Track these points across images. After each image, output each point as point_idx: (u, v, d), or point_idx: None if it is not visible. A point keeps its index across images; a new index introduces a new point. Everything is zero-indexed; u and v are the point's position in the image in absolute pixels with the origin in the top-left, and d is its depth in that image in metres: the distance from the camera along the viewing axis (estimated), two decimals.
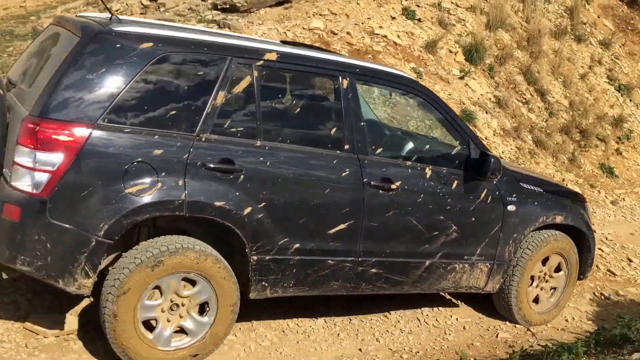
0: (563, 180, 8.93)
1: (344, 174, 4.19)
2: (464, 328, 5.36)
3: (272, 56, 4.04)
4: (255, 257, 3.99)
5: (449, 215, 4.62)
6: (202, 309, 3.94)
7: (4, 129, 3.69)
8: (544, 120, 9.93)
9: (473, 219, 4.74)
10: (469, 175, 4.70)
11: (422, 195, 4.50)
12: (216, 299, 3.91)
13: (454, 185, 4.66)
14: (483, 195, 4.77)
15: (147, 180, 3.62)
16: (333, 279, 4.33)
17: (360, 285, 4.49)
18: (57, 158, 3.45)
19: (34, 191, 3.46)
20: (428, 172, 4.57)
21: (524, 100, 9.99)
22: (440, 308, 5.55)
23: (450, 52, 9.87)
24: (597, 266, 7.03)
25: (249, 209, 3.87)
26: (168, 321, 3.84)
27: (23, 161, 3.45)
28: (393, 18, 9.84)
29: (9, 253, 3.55)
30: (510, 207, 4.91)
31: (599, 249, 7.25)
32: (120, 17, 4.15)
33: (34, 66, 4.09)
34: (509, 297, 5.21)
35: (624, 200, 9.27)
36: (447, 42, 9.94)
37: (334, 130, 4.25)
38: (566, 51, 11.41)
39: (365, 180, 4.26)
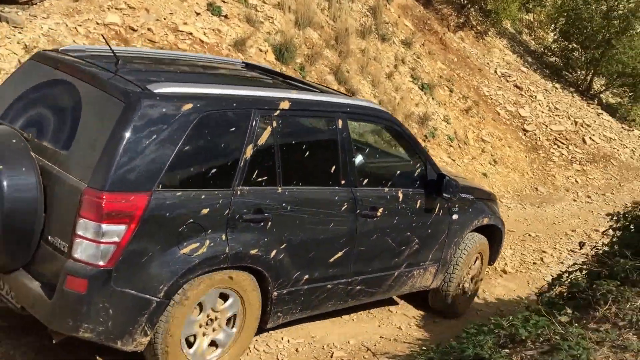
0: None
1: (343, 208, 4.62)
2: (297, 350, 5.00)
3: (286, 105, 4.28)
4: (275, 293, 4.32)
5: (414, 230, 5.22)
6: (228, 321, 4.22)
7: (41, 194, 3.61)
8: None
9: (430, 231, 5.37)
10: (428, 194, 5.28)
11: (396, 217, 5.05)
12: (243, 311, 4.20)
13: (418, 204, 5.24)
14: (437, 209, 5.39)
15: (198, 239, 3.79)
16: (329, 300, 4.80)
17: (347, 301, 5.02)
18: (121, 229, 3.50)
19: (101, 263, 3.49)
20: (400, 195, 5.10)
21: None
22: (270, 331, 5.09)
23: (261, 50, 9.43)
24: None
25: (274, 252, 4.19)
26: (203, 335, 4.09)
27: (88, 234, 3.46)
28: (198, 14, 9.17)
29: (73, 323, 3.55)
30: (455, 217, 5.59)
31: None
32: (115, 48, 4.25)
33: (50, 119, 3.91)
34: (447, 292, 5.87)
35: None
36: (257, 40, 9.49)
37: (333, 167, 4.62)
38: (372, 50, 11.54)
39: (358, 211, 4.71)
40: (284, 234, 4.21)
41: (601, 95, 16.59)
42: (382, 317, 5.88)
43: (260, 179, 4.08)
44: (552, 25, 16.71)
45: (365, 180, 4.85)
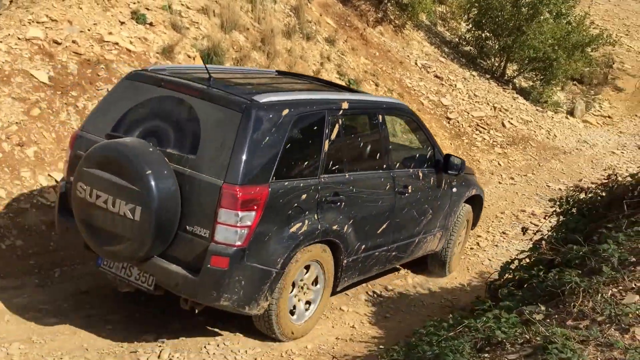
0: None
1: (387, 187, 5.71)
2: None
3: (345, 105, 5.29)
4: (345, 261, 5.33)
5: (430, 203, 6.33)
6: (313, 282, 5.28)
7: (178, 192, 4.39)
8: None
9: (439, 203, 6.48)
10: (437, 172, 6.39)
11: (419, 193, 6.15)
12: (324, 275, 5.26)
13: (431, 181, 6.36)
14: (443, 184, 6.49)
15: (300, 219, 4.74)
16: (375, 265, 5.87)
17: (386, 266, 6.14)
18: (252, 214, 4.40)
19: (238, 243, 4.39)
20: (420, 174, 6.22)
21: None
22: (226, 342, 5.13)
23: (189, 57, 9.38)
24: None
25: (346, 227, 5.21)
26: (299, 300, 5.19)
27: (228, 221, 4.34)
28: (122, 23, 9.01)
29: (217, 295, 4.45)
30: (454, 190, 6.69)
31: None
32: (210, 67, 5.14)
33: (167, 130, 4.63)
34: (446, 255, 7.00)
35: None
36: (184, 46, 9.42)
37: (378, 155, 5.70)
38: (298, 50, 11.65)
39: (396, 189, 5.82)
40: (351, 212, 5.23)
41: (515, 80, 17.33)
42: (334, 317, 5.99)
43: (334, 168, 5.09)
44: (465, 16, 17.30)
45: (397, 163, 5.93)
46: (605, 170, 13.01)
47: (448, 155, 6.40)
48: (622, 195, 5.03)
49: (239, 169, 4.35)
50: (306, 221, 4.78)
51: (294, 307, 5.14)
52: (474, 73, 16.45)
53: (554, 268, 4.31)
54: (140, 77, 4.99)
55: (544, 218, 5.72)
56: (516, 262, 5.22)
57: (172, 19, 9.61)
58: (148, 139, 4.60)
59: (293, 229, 4.71)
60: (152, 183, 4.33)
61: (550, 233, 5.30)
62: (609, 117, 17.20)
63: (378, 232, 5.63)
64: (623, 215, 4.63)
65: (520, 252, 5.36)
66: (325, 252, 5.16)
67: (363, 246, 5.48)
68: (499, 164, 13.48)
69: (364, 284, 6.66)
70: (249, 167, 4.38)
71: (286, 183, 4.64)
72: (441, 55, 16.57)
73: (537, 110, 15.85)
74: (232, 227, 4.35)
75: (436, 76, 15.39)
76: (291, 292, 5.00)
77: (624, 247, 3.97)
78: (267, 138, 4.51)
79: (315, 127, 4.96)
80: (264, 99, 4.64)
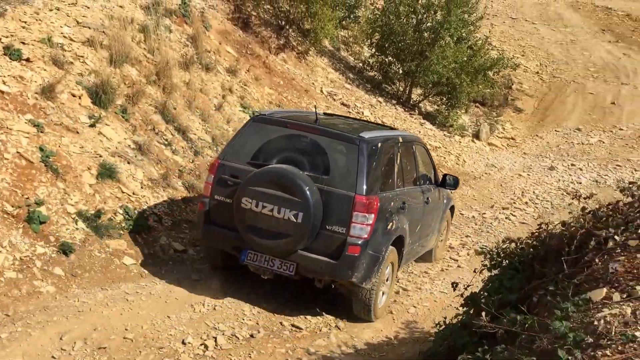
0: None
1: (420, 199, 7.57)
2: None
3: (400, 139, 7.35)
4: (404, 250, 7.02)
5: (436, 210, 8.23)
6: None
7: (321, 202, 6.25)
8: (191, 161, 9.18)
9: (438, 210, 8.36)
10: (437, 187, 8.33)
11: (432, 202, 7.95)
12: (392, 272, 6.97)
13: (436, 194, 8.27)
14: (440, 196, 8.49)
15: (392, 220, 6.62)
16: (412, 256, 7.77)
17: (415, 257, 8.03)
18: (372, 216, 6.25)
19: (365, 236, 6.25)
20: (432, 189, 8.12)
21: (166, 142, 9.08)
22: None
23: (74, 95, 8.40)
24: (281, 323, 6.50)
25: (407, 226, 6.96)
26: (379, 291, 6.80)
27: (359, 220, 6.21)
28: None
29: (351, 273, 6.27)
30: (445, 201, 8.72)
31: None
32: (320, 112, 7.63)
33: (299, 158, 6.45)
34: (435, 250, 8.87)
35: None
36: (68, 84, 8.43)
37: (415, 174, 7.65)
38: (197, 82, 10.88)
39: (424, 200, 7.67)
40: (409, 216, 7.01)
41: (421, 104, 17.26)
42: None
43: (400, 183, 7.01)
44: (368, 41, 17.08)
45: (422, 181, 7.93)
46: (514, 194, 12.98)
47: (445, 175, 8.53)
48: (557, 247, 4.60)
49: (363, 184, 6.21)
50: (394, 221, 6.66)
51: (383, 292, 6.91)
52: (381, 99, 16.22)
53: (495, 343, 3.80)
54: (267, 120, 6.75)
55: (474, 271, 5.21)
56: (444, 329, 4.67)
57: (52, 53, 8.60)
58: (286, 163, 6.41)
59: (389, 227, 6.58)
60: (309, 196, 6.10)
61: (483, 292, 4.80)
62: (512, 138, 17.42)
63: (416, 230, 7.47)
64: (563, 274, 4.20)
65: (455, 315, 4.83)
66: (394, 254, 6.84)
67: (410, 241, 7.23)
68: None
69: (282, 349, 5.97)
70: (368, 183, 6.26)
71: (384, 194, 6.54)
72: (347, 82, 16.23)
73: (444, 135, 15.77)
74: (362, 225, 6.19)
75: (343, 104, 15.00)
76: (384, 279, 6.78)
77: (575, 320, 3.50)
78: (374, 163, 6.42)
79: (392, 155, 6.96)
80: (366, 135, 6.53)
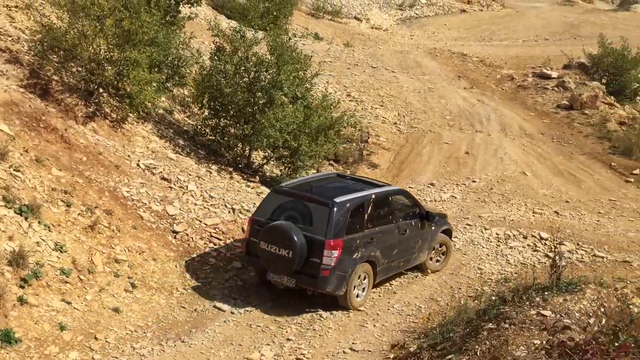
0: None
1: (395, 232, 11.36)
2: None
3: (374, 196, 11.15)
4: (377, 268, 10.97)
5: (420, 236, 11.85)
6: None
7: (305, 243, 10.22)
8: None
9: (425, 236, 11.94)
10: (423, 220, 11.90)
11: (413, 232, 11.70)
12: (369, 277, 10.91)
13: (420, 225, 11.88)
14: (427, 226, 11.98)
15: (357, 251, 10.52)
16: (392, 270, 11.51)
17: (399, 270, 11.75)
18: (337, 251, 10.19)
19: (332, 264, 10.17)
20: (413, 222, 11.77)
21: None
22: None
23: None
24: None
25: (377, 253, 10.90)
26: (359, 290, 10.85)
27: (328, 254, 10.15)
28: None
29: (325, 286, 10.31)
30: (433, 228, 12.16)
31: None
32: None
33: (296, 216, 10.55)
34: (427, 263, 12.35)
35: None
36: None
37: (390, 216, 11.41)
38: None
39: (400, 232, 11.46)
40: (379, 246, 10.92)
41: (263, 168, 15.68)
42: None
43: (370, 226, 10.84)
44: (200, 103, 15.36)
45: (400, 218, 11.56)
46: None
47: (428, 212, 11.94)
48: None
49: (331, 232, 10.17)
50: (359, 252, 10.54)
51: (357, 294, 10.75)
52: (214, 167, 14.45)
53: None
54: (280, 191, 11.13)
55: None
56: None
57: None
58: (290, 220, 10.40)
59: (354, 256, 10.48)
60: (297, 241, 10.06)
61: None
62: None
63: (393, 254, 11.19)
64: None
65: None
66: (369, 267, 10.79)
67: (386, 261, 11.06)
68: (236, 284, 11.40)
69: None
70: (335, 231, 10.19)
71: (350, 236, 10.41)
72: (173, 151, 14.37)
73: None
74: (329, 257, 10.15)
75: (163, 178, 13.12)
76: (355, 285, 10.61)
77: None
78: (341, 217, 10.32)
79: (361, 209, 10.74)
80: (337, 199, 10.44)
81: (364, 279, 10.77)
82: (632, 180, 18.14)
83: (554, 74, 24.88)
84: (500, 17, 40.81)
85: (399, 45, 31.11)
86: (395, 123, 21.22)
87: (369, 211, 10.77)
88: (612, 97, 23.61)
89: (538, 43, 34.46)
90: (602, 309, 8.25)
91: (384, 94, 23.35)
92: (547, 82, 24.49)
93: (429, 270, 12.34)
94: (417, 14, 39.75)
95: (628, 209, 16.43)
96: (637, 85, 24.17)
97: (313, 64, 15.57)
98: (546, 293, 8.64)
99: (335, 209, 10.19)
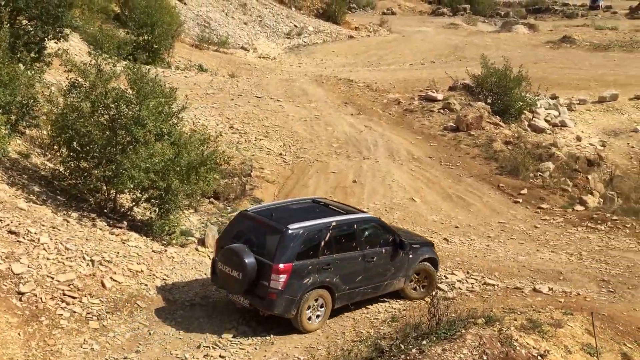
0: None
1: (359, 259, 11.46)
2: None
3: (335, 223, 11.25)
4: (336, 294, 11.13)
5: (392, 264, 11.94)
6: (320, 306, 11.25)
7: (256, 266, 10.62)
8: None
9: (399, 264, 12.02)
10: (397, 249, 11.93)
11: (382, 260, 11.78)
12: (326, 305, 11.11)
13: (393, 253, 11.93)
14: (401, 254, 12.00)
15: (309, 277, 10.80)
16: (358, 296, 11.62)
17: (367, 296, 11.79)
18: (285, 276, 10.49)
19: (280, 288, 10.48)
20: (384, 251, 11.83)
21: None
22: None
23: None
24: None
25: (335, 279, 11.06)
26: (313, 314, 11.04)
27: (275, 278, 10.45)
28: None
29: (273, 308, 10.64)
30: (410, 256, 12.14)
31: None
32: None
33: (253, 240, 11.06)
34: (407, 289, 12.37)
35: None
36: None
37: (354, 244, 11.51)
38: None
39: (365, 260, 11.54)
40: (337, 272, 11.08)
41: (133, 211, 14.32)
42: None
43: (327, 252, 11.01)
44: (58, 145, 13.87)
45: (367, 246, 11.69)
46: None
47: (402, 241, 11.96)
48: None
49: (280, 257, 10.53)
50: (311, 278, 10.78)
51: (310, 317, 10.96)
52: (74, 215, 12.98)
53: None
54: (244, 215, 11.60)
55: None
56: None
57: None
58: (247, 244, 10.87)
59: (304, 281, 10.70)
60: (246, 263, 10.50)
61: None
62: None
63: (357, 280, 11.41)
64: None
65: None
66: (325, 292, 11.04)
67: (347, 287, 11.28)
68: (92, 348, 10.02)
69: None
70: (284, 256, 10.54)
71: (301, 262, 10.69)
72: (26, 199, 12.80)
73: (153, 251, 12.84)
74: (276, 281, 10.44)
75: (10, 232, 11.56)
76: (308, 310, 10.86)
77: None
78: (292, 243, 10.68)
79: (317, 236, 11.01)
80: (291, 225, 10.78)
81: (320, 305, 10.97)
82: (520, 200, 18.13)
83: (440, 96, 24.96)
84: (387, 42, 41.40)
85: (286, 74, 30.60)
86: (281, 154, 20.41)
87: (326, 238, 10.96)
88: (497, 116, 23.88)
89: (424, 66, 34.98)
90: (485, 357, 7.58)
91: (269, 124, 22.54)
92: (433, 104, 24.50)
93: (406, 297, 12.42)
94: (305, 42, 39.61)
95: (517, 230, 16.28)
96: (521, 103, 24.56)
97: (179, 96, 14.46)
98: (424, 342, 7.90)
99: (286, 235, 10.59)
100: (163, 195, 13.62)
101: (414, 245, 12.24)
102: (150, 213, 14.12)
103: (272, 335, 10.78)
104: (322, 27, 42.58)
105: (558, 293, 12.50)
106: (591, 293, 12.63)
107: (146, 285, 11.67)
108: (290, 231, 10.61)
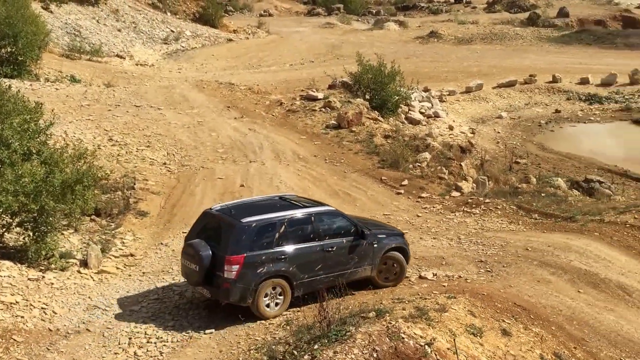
0: None
1: (318, 249, 12.02)
2: None
3: (291, 216, 11.99)
4: (294, 283, 11.72)
5: (356, 253, 12.42)
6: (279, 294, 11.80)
7: (212, 258, 11.44)
8: None
9: (363, 253, 12.49)
10: (360, 238, 12.44)
11: (342, 250, 12.27)
12: (285, 293, 11.68)
13: (354, 243, 12.41)
14: (365, 244, 12.50)
15: (263, 267, 11.39)
16: (319, 284, 11.71)
17: (329, 285, 11.70)
18: (237, 266, 11.15)
19: (233, 277, 11.15)
20: (345, 240, 12.34)
21: None
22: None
23: None
24: None
25: (291, 268, 11.66)
26: (271, 301, 11.67)
27: (230, 268, 11.14)
28: None
29: (229, 297, 11.33)
30: (375, 245, 12.64)
31: None
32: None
33: (212, 234, 11.73)
34: (376, 278, 12.80)
35: None
36: None
37: (311, 235, 12.07)
38: None
39: (324, 250, 12.08)
40: (294, 262, 11.66)
41: (4, 238, 13.43)
42: None
43: (281, 243, 11.64)
44: None
45: (327, 237, 12.19)
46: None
47: (363, 231, 12.47)
48: None
49: (231, 249, 11.22)
50: (265, 267, 11.37)
51: (268, 304, 11.56)
52: None
53: None
54: (207, 213, 12.32)
55: None
56: None
57: None
58: (205, 239, 11.62)
59: (258, 271, 11.31)
60: (202, 256, 11.28)
61: None
62: (132, 254, 14.52)
63: (316, 269, 11.93)
64: None
65: None
66: (282, 281, 11.60)
67: (305, 276, 11.81)
68: None
69: None
70: (234, 247, 11.25)
71: (254, 252, 11.34)
72: None
73: (29, 279, 12.12)
74: (229, 271, 11.11)
75: None
76: (265, 297, 11.48)
77: None
78: (244, 235, 11.39)
79: (270, 229, 11.63)
80: (244, 219, 11.50)
81: (279, 293, 11.63)
82: (402, 191, 18.69)
83: (320, 95, 25.28)
84: (266, 43, 41.40)
85: (165, 80, 29.89)
86: (165, 163, 19.87)
87: (281, 230, 11.61)
88: (376, 111, 24.50)
89: (304, 66, 35.31)
90: (375, 354, 7.73)
91: (150, 133, 21.90)
92: (314, 103, 24.77)
93: (375, 285, 12.82)
94: (183, 47, 38.82)
95: (401, 221, 16.75)
96: (397, 97, 25.33)
97: (46, 111, 13.73)
98: (315, 347, 7.93)
99: (237, 229, 11.38)
100: (37, 217, 12.90)
101: (380, 236, 12.75)
102: (24, 238, 13.31)
103: (164, 354, 10.45)
104: (199, 31, 41.90)
105: (442, 278, 13.01)
106: (471, 274, 13.24)
107: (22, 317, 11.00)
108: (242, 224, 11.36)
